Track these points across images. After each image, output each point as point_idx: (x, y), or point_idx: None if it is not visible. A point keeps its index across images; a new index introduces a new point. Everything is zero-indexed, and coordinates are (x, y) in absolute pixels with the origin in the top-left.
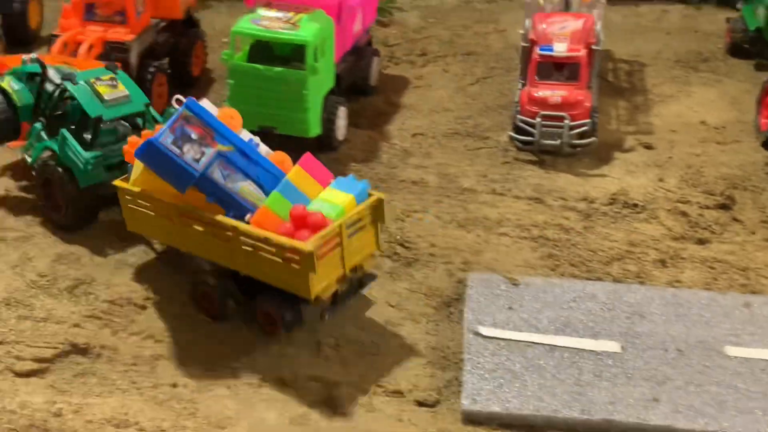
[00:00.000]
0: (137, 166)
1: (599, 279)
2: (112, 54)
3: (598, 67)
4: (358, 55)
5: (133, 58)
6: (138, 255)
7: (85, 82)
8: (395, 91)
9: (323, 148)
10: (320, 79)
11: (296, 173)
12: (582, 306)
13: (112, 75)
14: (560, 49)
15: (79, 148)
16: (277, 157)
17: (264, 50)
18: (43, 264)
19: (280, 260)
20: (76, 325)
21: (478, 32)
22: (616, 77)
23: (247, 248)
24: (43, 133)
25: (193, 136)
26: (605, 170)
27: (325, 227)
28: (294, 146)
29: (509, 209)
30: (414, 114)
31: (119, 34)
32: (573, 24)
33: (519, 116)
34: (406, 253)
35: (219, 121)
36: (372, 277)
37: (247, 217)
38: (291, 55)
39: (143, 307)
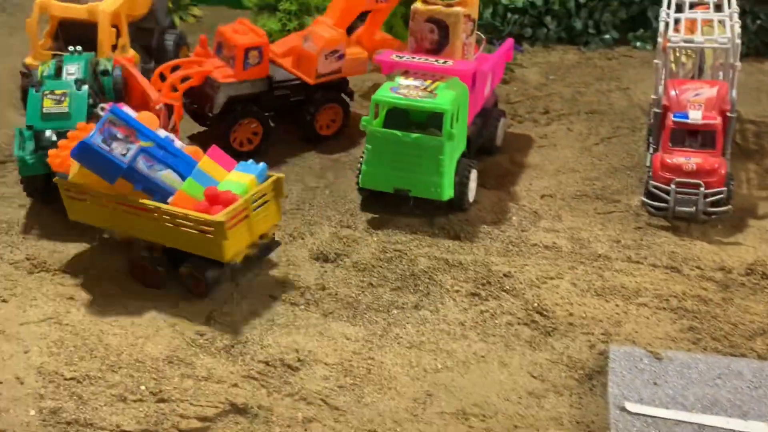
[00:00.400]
0: (74, 165)
1: (743, 355)
2: (205, 87)
3: (732, 134)
4: (486, 116)
5: (221, 97)
6: (286, 315)
7: (42, 91)
8: (520, 150)
9: (454, 209)
10: (455, 145)
11: (205, 162)
12: (728, 384)
13: (65, 91)
14: (695, 116)
15: (22, 144)
16: (191, 149)
17: (400, 115)
18: (198, 322)
19: (197, 232)
20: (235, 385)
21: (600, 90)
22: (744, 139)
23: (170, 225)
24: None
25: (119, 135)
26: (740, 238)
27: (234, 202)
28: (424, 206)
29: (646, 278)
30: (540, 174)
31: (220, 73)
32: (707, 91)
33: (651, 182)
34: (544, 321)
35: (140, 122)
36: (277, 243)
37: (169, 199)
38: (427, 120)
39: (296, 369)
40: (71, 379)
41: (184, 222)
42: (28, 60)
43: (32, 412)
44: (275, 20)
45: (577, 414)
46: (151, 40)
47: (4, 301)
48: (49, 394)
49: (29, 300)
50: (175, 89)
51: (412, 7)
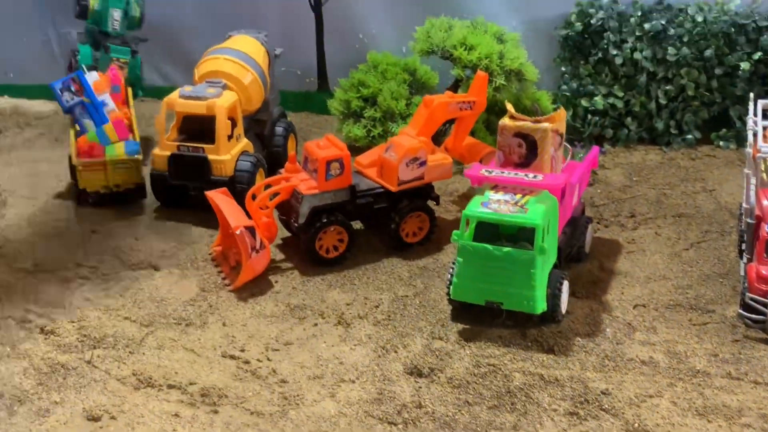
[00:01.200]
0: None
1: None
2: (291, 200)
3: None
4: (575, 224)
5: (305, 208)
6: None
7: None
8: (609, 257)
9: (547, 321)
10: (546, 258)
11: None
12: None
13: None
14: None
15: None
16: (114, 115)
17: (490, 228)
18: None
19: None
20: None
21: (685, 191)
22: None
23: None
24: None
25: (72, 89)
26: None
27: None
28: (516, 317)
29: (748, 396)
30: (631, 282)
31: (305, 186)
32: None
33: (748, 294)
34: None
35: (90, 87)
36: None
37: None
38: (518, 233)
39: None
40: None
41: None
42: (156, 152)
43: None
44: (360, 127)
45: None
46: (263, 129)
47: (113, 418)
48: None
49: (137, 417)
50: (265, 207)
51: (500, 122)
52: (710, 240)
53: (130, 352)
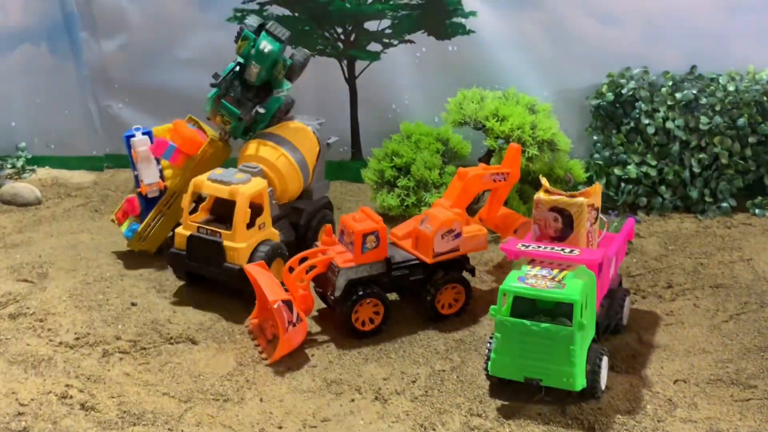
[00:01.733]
0: None
1: None
2: (328, 272)
3: None
4: (612, 297)
5: (341, 281)
6: None
7: None
8: (647, 329)
9: (586, 397)
10: (585, 333)
11: None
12: None
13: None
14: None
15: None
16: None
17: (528, 302)
18: None
19: None
20: None
21: (722, 261)
22: None
23: None
24: None
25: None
26: None
27: None
28: (555, 393)
29: None
30: (670, 355)
31: (341, 259)
32: None
33: None
34: None
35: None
36: None
37: None
38: (555, 308)
39: None
40: None
41: None
42: (179, 230)
43: None
44: (394, 196)
45: None
46: (300, 218)
47: None
48: None
49: None
50: (302, 280)
51: (535, 196)
52: (750, 312)
53: (168, 429)
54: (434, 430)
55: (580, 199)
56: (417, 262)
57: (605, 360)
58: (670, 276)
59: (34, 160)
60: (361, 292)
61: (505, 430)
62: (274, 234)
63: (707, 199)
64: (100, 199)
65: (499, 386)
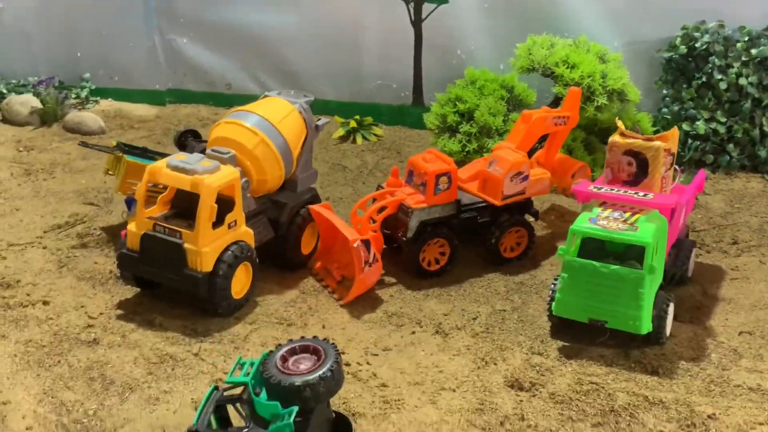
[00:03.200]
0: None
1: None
2: (399, 214)
3: None
4: (680, 247)
5: (413, 222)
6: None
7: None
8: (712, 282)
9: (650, 343)
10: (655, 278)
11: None
12: None
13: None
14: None
15: None
16: None
17: (596, 245)
18: None
19: None
20: None
21: None
22: None
23: None
24: None
25: None
26: None
27: None
28: (618, 337)
29: None
30: (735, 309)
31: (413, 200)
32: None
33: None
34: None
35: None
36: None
37: None
38: (625, 252)
39: None
40: None
41: None
42: (131, 227)
43: None
44: (455, 142)
45: None
46: (281, 214)
47: None
48: None
49: None
50: (373, 221)
51: (610, 139)
52: None
53: (235, 347)
54: (495, 364)
55: (657, 142)
56: (484, 204)
57: (671, 307)
58: (735, 233)
59: (97, 92)
60: (430, 233)
61: (567, 369)
62: (247, 234)
63: None
64: (163, 132)
65: (560, 327)
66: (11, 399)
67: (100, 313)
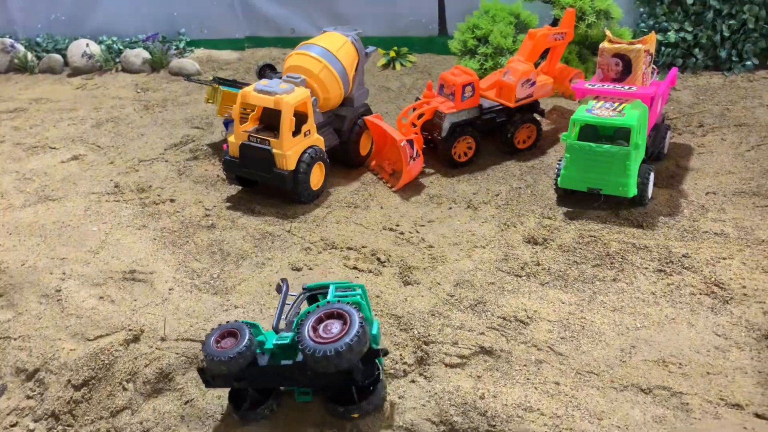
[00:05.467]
0: None
1: None
2: (435, 119)
3: None
4: (657, 130)
5: (446, 124)
6: (512, 284)
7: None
8: (683, 157)
9: (636, 204)
10: (639, 153)
11: None
12: None
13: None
14: None
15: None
16: None
17: (592, 130)
18: (449, 287)
19: None
20: (482, 333)
21: (745, 107)
22: None
23: None
24: None
25: None
26: None
27: None
28: (611, 201)
29: None
30: (702, 176)
31: (445, 107)
32: None
33: None
34: (721, 292)
35: None
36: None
37: None
38: (615, 134)
39: (526, 323)
40: None
41: None
42: (231, 139)
43: None
44: (474, 61)
45: (758, 365)
46: (342, 125)
47: (310, 269)
48: None
49: (327, 269)
50: (414, 125)
51: (600, 45)
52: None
53: (317, 225)
54: (515, 227)
55: (639, 45)
56: (500, 107)
57: (652, 175)
58: (701, 118)
59: (192, 43)
60: (459, 132)
61: (570, 227)
62: (319, 140)
63: (734, 58)
64: (245, 71)
65: (564, 198)
66: (155, 269)
67: (214, 206)
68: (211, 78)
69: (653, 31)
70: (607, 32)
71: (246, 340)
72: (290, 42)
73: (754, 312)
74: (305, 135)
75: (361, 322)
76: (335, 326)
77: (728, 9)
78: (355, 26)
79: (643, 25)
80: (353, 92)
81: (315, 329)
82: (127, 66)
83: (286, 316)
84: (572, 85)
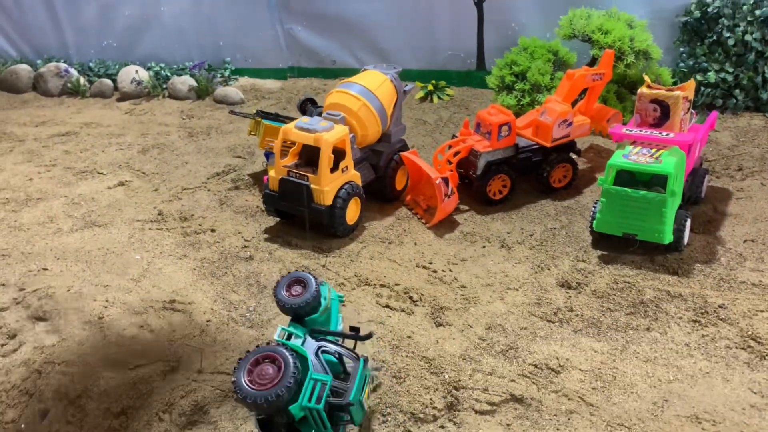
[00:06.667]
0: None
1: None
2: (470, 156)
3: None
4: (695, 174)
5: (481, 162)
6: (545, 330)
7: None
8: (721, 201)
9: (671, 250)
10: (675, 200)
11: None
12: None
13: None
14: None
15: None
16: None
17: (628, 175)
18: (480, 330)
19: None
20: (513, 381)
21: None
22: None
23: None
24: None
25: None
26: None
27: None
28: (646, 247)
29: None
30: (741, 222)
31: (481, 145)
32: None
33: None
34: (758, 347)
35: None
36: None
37: None
38: (651, 180)
39: (557, 372)
40: (393, 365)
41: None
42: (271, 174)
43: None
44: (512, 97)
45: None
46: (379, 160)
47: (344, 305)
48: (380, 376)
49: (359, 306)
50: (450, 162)
51: (639, 90)
52: None
53: (351, 260)
54: (549, 270)
55: (677, 92)
56: (536, 146)
57: (689, 222)
58: (740, 161)
59: (236, 71)
60: (495, 170)
61: (605, 272)
62: (356, 176)
63: None
64: (287, 100)
65: (599, 240)
66: (194, 300)
67: (253, 237)
68: (254, 111)
69: (693, 79)
70: (646, 77)
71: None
72: (331, 73)
73: None
74: (342, 171)
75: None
76: (269, 370)
77: None
78: (395, 64)
79: (682, 65)
80: (390, 128)
81: (250, 372)
82: (174, 93)
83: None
84: (609, 129)
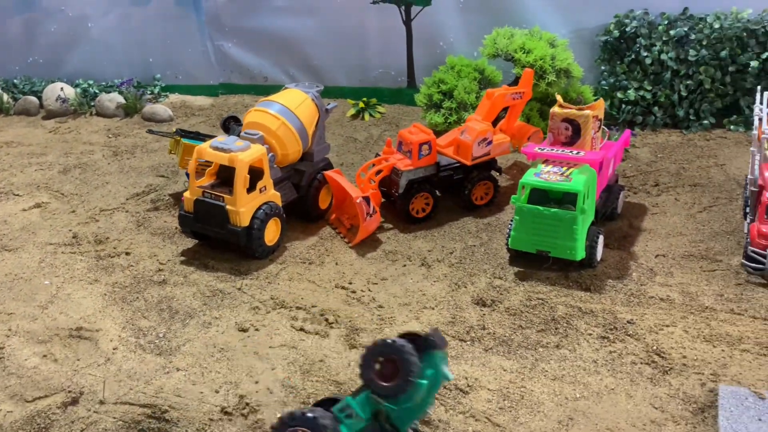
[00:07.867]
0: None
1: None
2: (392, 175)
3: None
4: (609, 191)
5: (403, 181)
6: (457, 349)
7: None
8: (636, 217)
9: (585, 266)
10: (586, 217)
11: None
12: None
13: None
14: None
15: None
16: None
17: (541, 193)
18: None
19: None
20: None
21: (700, 166)
22: None
23: None
24: None
25: None
26: None
27: None
28: (560, 263)
29: (748, 327)
30: (654, 237)
31: (402, 164)
32: None
33: (750, 247)
34: (662, 362)
35: None
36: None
37: None
38: (563, 197)
39: (466, 392)
40: (303, 390)
41: None
42: (186, 195)
43: (278, 415)
44: (440, 115)
45: None
46: (301, 179)
47: (257, 329)
48: (290, 401)
49: (274, 330)
50: (372, 181)
51: (551, 110)
52: (720, 205)
53: (269, 282)
54: (466, 287)
55: (587, 111)
56: (458, 164)
57: (601, 238)
58: (657, 177)
59: (166, 88)
60: (416, 189)
61: (520, 289)
62: (275, 196)
63: (691, 117)
64: (217, 117)
65: (516, 257)
66: (102, 327)
67: (168, 260)
68: (173, 130)
69: (601, 98)
70: (558, 96)
71: None
72: (263, 90)
73: (692, 384)
74: (260, 191)
75: None
76: None
77: (685, 70)
78: (320, 81)
79: (603, 82)
80: (313, 147)
81: None
82: (102, 110)
83: None
84: (522, 148)
